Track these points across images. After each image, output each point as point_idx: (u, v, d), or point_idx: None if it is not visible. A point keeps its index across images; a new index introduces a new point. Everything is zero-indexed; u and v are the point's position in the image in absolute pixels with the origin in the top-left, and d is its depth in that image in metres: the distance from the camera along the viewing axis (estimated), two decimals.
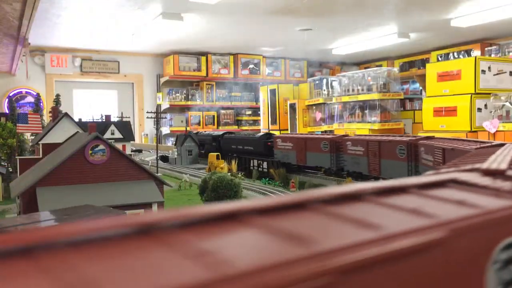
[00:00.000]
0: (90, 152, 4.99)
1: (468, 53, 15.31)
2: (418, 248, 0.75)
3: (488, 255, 0.89)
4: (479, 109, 8.50)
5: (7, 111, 13.91)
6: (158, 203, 5.09)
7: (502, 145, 4.67)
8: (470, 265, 0.86)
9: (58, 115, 9.21)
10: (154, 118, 10.74)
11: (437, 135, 7.32)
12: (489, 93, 8.30)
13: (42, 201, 4.52)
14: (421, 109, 9.89)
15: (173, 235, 0.71)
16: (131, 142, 11.91)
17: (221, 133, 12.47)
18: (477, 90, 8.54)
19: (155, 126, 11.12)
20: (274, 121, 14.84)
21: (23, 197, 4.72)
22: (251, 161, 10.24)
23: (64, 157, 4.93)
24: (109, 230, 0.70)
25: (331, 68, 20.29)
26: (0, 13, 7.31)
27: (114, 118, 12.68)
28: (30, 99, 15.82)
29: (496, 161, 1.64)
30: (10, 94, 15.73)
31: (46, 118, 12.80)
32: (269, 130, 14.66)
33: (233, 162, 9.89)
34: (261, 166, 9.96)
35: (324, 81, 13.13)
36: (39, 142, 7.50)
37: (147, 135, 18.26)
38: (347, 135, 8.93)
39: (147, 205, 5.01)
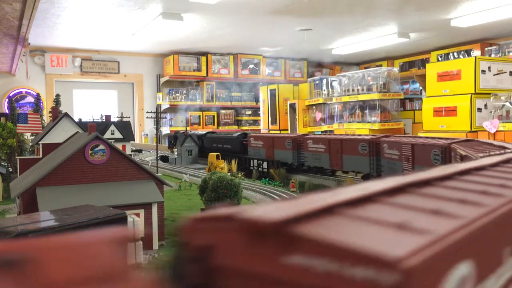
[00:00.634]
0: (90, 152, 4.98)
1: (468, 53, 15.30)
2: None
3: None
4: (479, 109, 8.50)
5: (7, 111, 13.91)
6: (158, 203, 5.08)
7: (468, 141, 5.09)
8: None
9: (58, 115, 9.19)
10: (154, 118, 10.75)
11: (437, 135, 7.33)
12: (489, 93, 8.29)
13: (42, 201, 4.51)
14: (421, 109, 9.89)
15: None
16: (131, 142, 11.91)
17: (204, 132, 13.50)
18: (477, 90, 8.54)
19: (155, 126, 11.13)
20: (274, 121, 14.83)
21: (23, 197, 4.71)
22: (251, 161, 10.28)
23: (64, 157, 4.92)
24: None
25: (331, 68, 20.27)
26: (0, 13, 7.31)
27: (114, 118, 12.67)
28: (30, 99, 15.82)
29: None
30: (10, 94, 15.74)
31: (46, 118, 12.79)
32: (269, 131, 14.67)
33: (233, 162, 9.91)
34: (261, 166, 9.97)
35: (324, 81, 13.12)
36: (39, 142, 7.49)
37: (147, 135, 18.26)
38: (307, 134, 10.07)
39: (147, 205, 5.00)
